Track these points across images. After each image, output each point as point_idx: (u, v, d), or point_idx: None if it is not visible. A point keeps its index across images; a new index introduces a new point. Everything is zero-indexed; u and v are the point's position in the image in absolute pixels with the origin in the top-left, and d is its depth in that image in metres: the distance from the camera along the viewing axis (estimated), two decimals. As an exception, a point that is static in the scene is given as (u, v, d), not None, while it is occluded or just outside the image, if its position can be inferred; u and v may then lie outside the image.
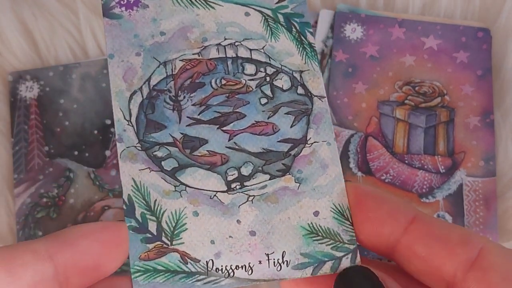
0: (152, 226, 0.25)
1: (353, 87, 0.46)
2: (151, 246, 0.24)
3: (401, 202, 0.25)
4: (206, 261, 0.24)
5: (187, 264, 0.24)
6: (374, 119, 0.45)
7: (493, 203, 0.44)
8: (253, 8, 0.27)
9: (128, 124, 0.26)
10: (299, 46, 0.27)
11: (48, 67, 0.46)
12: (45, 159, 0.45)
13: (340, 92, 0.45)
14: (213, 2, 0.27)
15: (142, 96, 0.26)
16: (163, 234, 0.25)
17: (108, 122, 0.46)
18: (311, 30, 0.28)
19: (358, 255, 0.25)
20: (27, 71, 0.46)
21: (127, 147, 0.26)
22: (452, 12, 0.47)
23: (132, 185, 0.25)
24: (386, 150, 0.45)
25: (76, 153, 0.45)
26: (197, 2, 0.27)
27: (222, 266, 0.24)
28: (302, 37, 0.27)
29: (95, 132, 0.46)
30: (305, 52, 0.27)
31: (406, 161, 0.45)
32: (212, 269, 0.24)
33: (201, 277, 0.24)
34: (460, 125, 0.45)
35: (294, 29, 0.27)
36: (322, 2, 0.48)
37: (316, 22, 0.47)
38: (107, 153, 0.45)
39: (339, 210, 0.25)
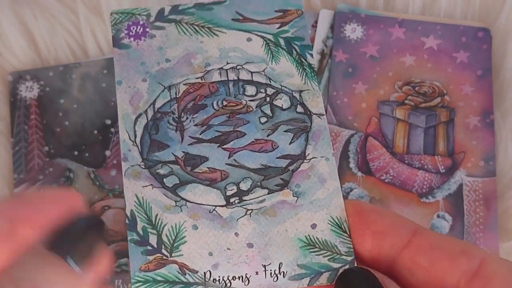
0: (153, 239, 0.26)
1: (353, 87, 0.46)
2: (151, 258, 0.25)
3: (401, 216, 0.25)
4: (204, 272, 0.25)
5: (185, 275, 0.25)
6: (374, 119, 0.45)
7: (493, 203, 0.44)
8: (255, 34, 0.29)
9: (133, 145, 0.27)
10: (299, 67, 0.28)
11: (48, 67, 0.46)
12: (45, 159, 0.45)
13: (340, 92, 0.46)
14: (217, 30, 0.29)
15: (147, 118, 0.28)
16: (163, 247, 0.26)
17: (108, 122, 0.46)
18: (311, 52, 0.29)
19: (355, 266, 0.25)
20: (27, 71, 0.46)
21: (132, 166, 0.27)
22: (452, 12, 0.47)
23: (135, 201, 0.26)
24: (386, 150, 0.45)
25: (76, 153, 0.45)
26: (201, 30, 0.29)
27: (219, 277, 0.25)
28: (302, 59, 0.28)
29: (95, 132, 0.46)
30: (305, 73, 0.28)
31: (406, 161, 0.45)
32: (209, 279, 0.25)
33: (199, 287, 0.25)
34: (460, 125, 0.45)
35: (294, 52, 0.29)
36: (322, 2, 0.48)
37: (316, 22, 0.47)
38: (107, 153, 0.45)
39: (336, 223, 0.26)
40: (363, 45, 0.46)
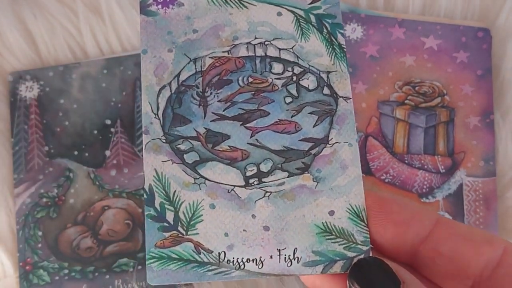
0: (170, 216, 0.26)
1: (353, 87, 0.46)
2: (167, 234, 0.25)
3: (422, 206, 0.25)
4: (219, 253, 0.25)
5: (200, 254, 0.25)
6: (374, 119, 0.45)
7: (493, 203, 0.44)
8: (286, 8, 0.28)
9: (155, 117, 0.27)
10: (328, 47, 0.28)
11: (48, 67, 0.46)
12: (45, 159, 0.45)
13: (340, 92, 0.46)
14: (246, 2, 0.28)
15: (171, 91, 0.27)
16: (180, 224, 0.25)
17: (108, 122, 0.46)
18: (342, 31, 0.28)
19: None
20: (27, 71, 0.46)
21: (152, 139, 0.26)
22: (452, 12, 0.47)
23: (154, 176, 0.26)
24: (386, 150, 0.45)
25: (76, 153, 0.45)
26: (231, 1, 0.28)
27: (233, 258, 0.25)
28: (333, 38, 0.28)
29: (95, 132, 0.46)
30: (334, 53, 0.28)
31: (406, 161, 0.45)
32: (223, 260, 0.25)
33: (213, 267, 0.25)
34: (460, 125, 0.45)
35: (325, 30, 0.28)
36: (322, 2, 0.48)
37: (316, 22, 0.47)
38: (107, 153, 0.45)
39: (355, 211, 0.26)
40: (363, 45, 0.46)
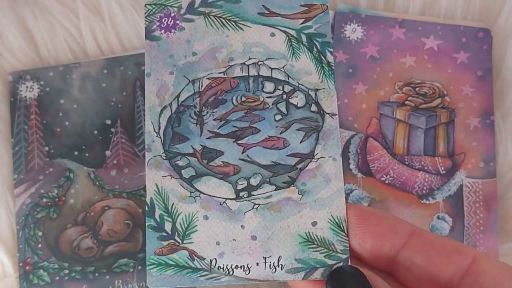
0: (168, 226, 0.28)
1: (353, 88, 0.46)
2: (165, 243, 0.28)
3: (399, 219, 0.27)
4: (210, 260, 0.28)
5: (193, 261, 0.28)
6: (374, 120, 0.45)
7: (493, 204, 0.44)
8: (279, 29, 0.30)
9: (157, 136, 0.29)
10: (318, 65, 0.29)
11: (48, 67, 0.46)
12: (45, 159, 0.45)
13: (340, 93, 0.45)
14: (242, 24, 0.30)
15: (171, 111, 0.29)
16: (176, 234, 0.28)
17: (108, 122, 0.46)
18: (331, 49, 0.30)
19: (349, 264, 0.27)
20: (27, 71, 0.46)
21: (154, 156, 0.29)
22: (453, 12, 0.47)
23: (155, 190, 0.28)
24: (386, 151, 0.45)
25: (76, 153, 0.45)
26: (228, 24, 0.30)
27: (223, 265, 0.28)
28: (322, 57, 0.30)
29: (95, 132, 0.46)
30: (323, 71, 0.29)
31: (406, 162, 0.45)
32: (214, 267, 0.28)
33: (205, 273, 0.28)
34: (460, 126, 0.45)
35: (315, 49, 0.30)
36: (323, 2, 0.48)
37: (316, 23, 0.47)
38: (107, 153, 0.45)
39: (336, 222, 0.28)
40: (363, 45, 0.46)
